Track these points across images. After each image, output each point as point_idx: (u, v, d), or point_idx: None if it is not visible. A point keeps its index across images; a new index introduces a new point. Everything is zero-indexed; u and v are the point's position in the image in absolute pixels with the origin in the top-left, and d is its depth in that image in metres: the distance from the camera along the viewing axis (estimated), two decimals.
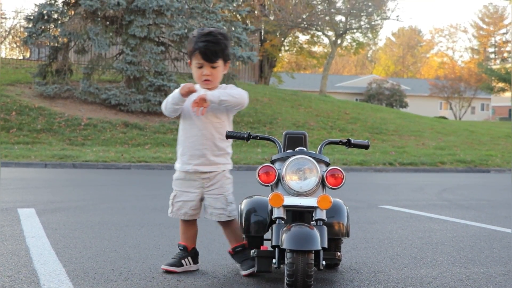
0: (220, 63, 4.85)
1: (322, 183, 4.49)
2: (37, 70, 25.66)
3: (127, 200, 9.76)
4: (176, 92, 4.76)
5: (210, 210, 4.92)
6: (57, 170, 16.17)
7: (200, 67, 4.82)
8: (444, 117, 53.36)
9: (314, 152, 4.68)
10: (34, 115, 22.66)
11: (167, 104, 4.86)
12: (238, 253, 4.89)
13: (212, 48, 4.73)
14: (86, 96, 24.05)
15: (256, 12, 40.14)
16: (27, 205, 8.48)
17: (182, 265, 4.89)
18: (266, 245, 4.71)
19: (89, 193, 10.66)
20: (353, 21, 42.61)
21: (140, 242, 6.32)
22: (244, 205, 5.03)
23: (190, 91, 4.64)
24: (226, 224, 4.97)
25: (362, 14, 42.15)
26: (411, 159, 20.02)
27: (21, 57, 41.74)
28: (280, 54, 48.27)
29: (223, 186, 4.89)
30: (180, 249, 4.98)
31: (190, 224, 5.03)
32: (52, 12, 24.41)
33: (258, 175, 4.58)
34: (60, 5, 24.47)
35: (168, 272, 4.84)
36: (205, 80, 4.82)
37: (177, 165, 5.02)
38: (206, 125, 4.80)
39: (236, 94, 4.80)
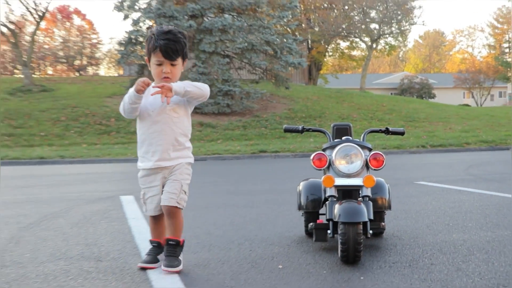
0: (179, 61, 4.17)
1: (366, 165, 4.44)
2: (129, 84, 25.87)
3: (205, 186, 9.78)
4: (131, 91, 4.04)
5: (162, 196, 4.12)
6: None
7: (160, 64, 4.11)
8: (467, 105, 52.43)
9: (358, 140, 4.63)
10: (129, 120, 22.88)
11: (125, 105, 4.15)
12: (170, 246, 4.09)
13: (173, 46, 4.04)
14: None
15: (303, 25, 40.03)
16: (127, 193, 8.55)
17: (158, 261, 4.21)
18: (322, 219, 4.66)
19: None
20: (385, 27, 42.14)
21: (218, 220, 6.34)
22: (301, 186, 4.99)
23: (145, 85, 3.94)
24: (171, 213, 4.09)
25: (392, 21, 41.67)
26: (440, 142, 19.73)
27: (116, 74, 42.32)
28: (325, 59, 48.12)
29: (182, 173, 4.19)
30: (154, 246, 4.29)
31: (159, 219, 4.26)
32: (138, 36, 24.70)
33: (312, 161, 4.55)
34: (144, 30, 24.68)
35: (144, 269, 4.15)
36: (165, 77, 4.11)
37: (140, 164, 4.27)
38: (166, 120, 4.10)
39: (200, 86, 4.19)
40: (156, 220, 4.28)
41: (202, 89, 4.16)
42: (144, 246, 4.74)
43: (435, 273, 3.87)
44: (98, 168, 15.01)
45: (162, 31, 4.11)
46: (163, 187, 4.15)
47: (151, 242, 4.32)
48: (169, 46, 4.02)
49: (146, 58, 4.34)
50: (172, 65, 4.09)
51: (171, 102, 4.02)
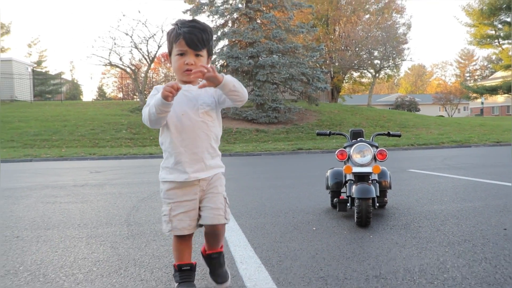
0: (205, 53, 2.56)
1: (374, 158, 4.42)
2: None
3: (259, 173, 9.83)
4: (158, 98, 2.37)
5: (205, 213, 2.52)
6: (222, 158, 16.41)
7: (182, 54, 2.50)
8: (442, 116, 51.15)
9: (368, 140, 4.60)
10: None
11: (150, 116, 2.45)
12: (218, 258, 2.63)
13: (198, 34, 2.52)
14: (235, 115, 24.41)
15: (327, 61, 39.83)
16: None
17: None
18: (343, 195, 4.64)
19: (239, 171, 10.81)
20: (384, 63, 41.46)
21: (269, 196, 6.28)
22: (328, 173, 4.98)
23: (174, 90, 2.31)
24: (219, 230, 2.56)
25: (390, 58, 41.03)
26: (424, 142, 19.32)
27: None
28: (343, 84, 47.76)
29: (221, 184, 2.62)
30: (186, 269, 2.56)
31: (189, 238, 2.58)
32: None
33: (336, 155, 4.56)
34: (218, 67, 24.89)
35: None
36: (188, 70, 2.48)
37: (168, 176, 2.53)
38: (200, 125, 2.53)
39: (243, 88, 2.56)
40: (184, 240, 2.56)
41: (245, 92, 2.55)
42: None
43: (422, 232, 3.83)
44: None
45: (186, 20, 2.59)
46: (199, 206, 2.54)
47: (181, 266, 2.56)
48: (194, 33, 2.50)
49: (166, 53, 2.62)
50: (197, 55, 2.49)
51: (204, 104, 2.50)
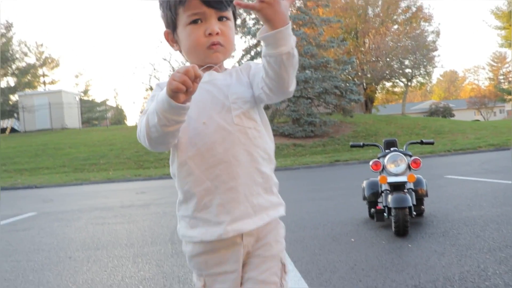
0: (231, 16, 1.34)
1: (409, 167, 4.34)
2: None
3: (298, 186, 9.77)
4: (162, 100, 1.13)
5: (250, 285, 1.29)
6: None
7: (197, 21, 1.29)
8: (477, 120, 49.80)
9: (402, 150, 4.53)
10: None
11: (149, 130, 1.19)
12: None
13: None
14: (272, 131, 24.48)
15: (359, 73, 39.51)
16: None
17: None
18: (379, 205, 4.56)
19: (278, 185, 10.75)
20: (416, 71, 40.89)
21: (308, 209, 6.24)
22: (364, 183, 4.91)
23: (191, 78, 1.06)
24: None
25: (421, 66, 40.43)
26: (460, 147, 18.79)
27: None
28: (376, 95, 47.19)
29: (278, 241, 1.39)
30: None
31: None
32: None
33: (371, 166, 4.50)
34: None
35: None
36: (213, 45, 1.30)
37: (191, 232, 1.30)
38: (237, 137, 1.28)
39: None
40: None
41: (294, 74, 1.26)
42: None
43: (461, 240, 3.71)
44: None
45: None
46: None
47: None
48: None
49: (165, 32, 1.41)
50: (221, 19, 1.33)
51: (239, 100, 1.32)
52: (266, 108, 25.15)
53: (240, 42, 26.16)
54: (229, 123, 1.29)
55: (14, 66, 40.58)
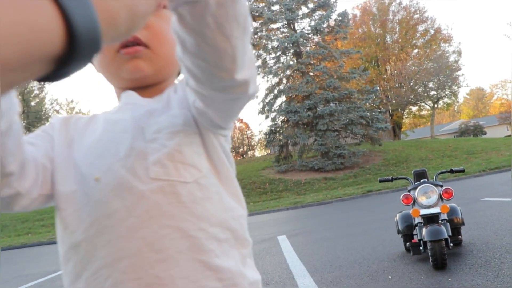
0: None
1: (440, 197, 4.22)
2: (274, 159, 26.31)
3: (332, 222, 9.61)
4: None
5: None
6: (295, 211, 16.30)
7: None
8: (510, 135, 48.66)
9: (432, 180, 4.42)
10: (277, 183, 23.13)
11: None
12: None
13: None
14: (302, 167, 24.33)
15: (384, 100, 39.34)
16: (280, 234, 8.55)
17: None
18: (415, 238, 4.43)
19: (312, 222, 10.62)
20: (441, 92, 40.46)
21: (343, 246, 6.11)
22: (398, 217, 4.78)
23: None
24: None
25: (445, 87, 40.02)
26: (495, 165, 18.26)
27: (265, 154, 43.21)
28: (403, 120, 46.74)
29: None
30: None
31: None
32: (277, 128, 25.29)
33: (402, 200, 4.40)
34: (280, 123, 25.20)
35: None
36: (126, 45, 0.73)
37: None
38: (158, 201, 0.66)
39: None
40: None
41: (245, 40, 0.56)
42: (294, 269, 4.68)
43: (505, 270, 3.54)
44: (261, 217, 15.16)
45: None
46: None
47: None
48: None
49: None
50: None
51: (165, 134, 0.71)
52: (294, 144, 25.25)
53: (263, 82, 26.47)
54: (140, 177, 0.70)
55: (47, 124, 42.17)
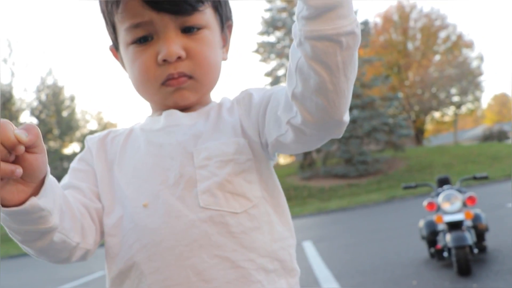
0: (208, 19, 0.70)
1: (464, 204, 4.19)
2: (298, 166, 26.31)
3: (357, 227, 9.55)
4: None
5: None
6: (319, 217, 16.20)
7: (145, 39, 0.68)
8: None
9: (455, 186, 4.40)
10: (301, 189, 23.13)
11: (19, 240, 0.61)
12: None
13: None
14: (325, 173, 24.30)
15: (406, 107, 39.06)
16: (306, 239, 8.54)
17: None
18: (439, 244, 4.40)
19: (336, 229, 10.57)
20: (464, 98, 39.94)
21: (367, 252, 6.08)
22: (421, 223, 4.76)
23: (12, 145, 0.48)
24: None
25: (468, 93, 39.51)
26: None
27: (289, 161, 43.26)
28: (425, 126, 46.32)
29: None
30: None
31: None
32: None
33: (425, 207, 4.40)
34: None
35: None
36: (173, 78, 0.72)
37: None
38: (208, 230, 0.66)
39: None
40: None
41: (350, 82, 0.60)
42: (320, 273, 4.69)
43: None
44: None
45: None
46: None
47: None
48: None
49: (111, 48, 0.84)
50: (188, 30, 0.70)
51: (216, 162, 0.70)
52: (318, 151, 25.15)
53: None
54: (189, 205, 0.69)
55: (78, 133, 42.97)
